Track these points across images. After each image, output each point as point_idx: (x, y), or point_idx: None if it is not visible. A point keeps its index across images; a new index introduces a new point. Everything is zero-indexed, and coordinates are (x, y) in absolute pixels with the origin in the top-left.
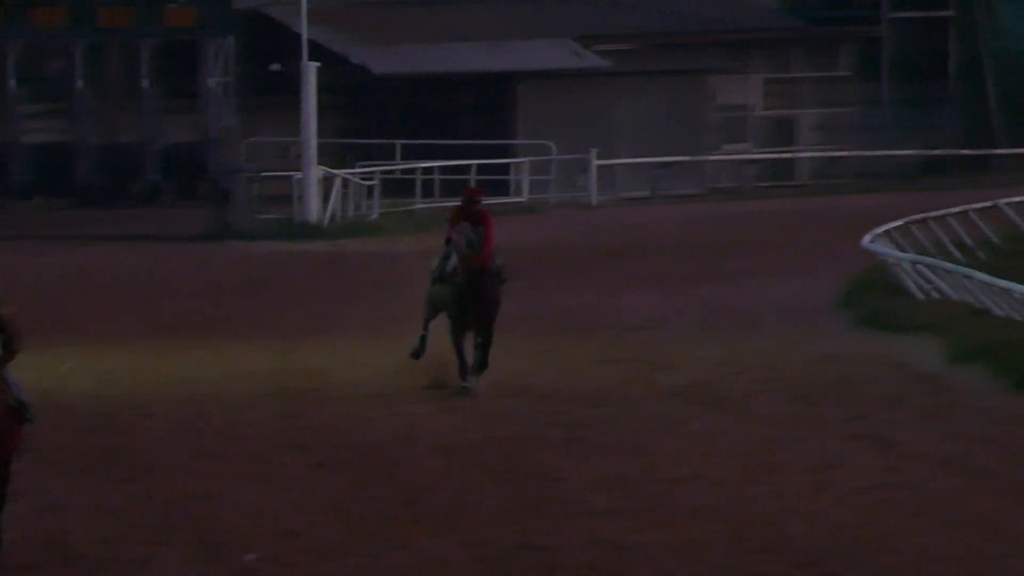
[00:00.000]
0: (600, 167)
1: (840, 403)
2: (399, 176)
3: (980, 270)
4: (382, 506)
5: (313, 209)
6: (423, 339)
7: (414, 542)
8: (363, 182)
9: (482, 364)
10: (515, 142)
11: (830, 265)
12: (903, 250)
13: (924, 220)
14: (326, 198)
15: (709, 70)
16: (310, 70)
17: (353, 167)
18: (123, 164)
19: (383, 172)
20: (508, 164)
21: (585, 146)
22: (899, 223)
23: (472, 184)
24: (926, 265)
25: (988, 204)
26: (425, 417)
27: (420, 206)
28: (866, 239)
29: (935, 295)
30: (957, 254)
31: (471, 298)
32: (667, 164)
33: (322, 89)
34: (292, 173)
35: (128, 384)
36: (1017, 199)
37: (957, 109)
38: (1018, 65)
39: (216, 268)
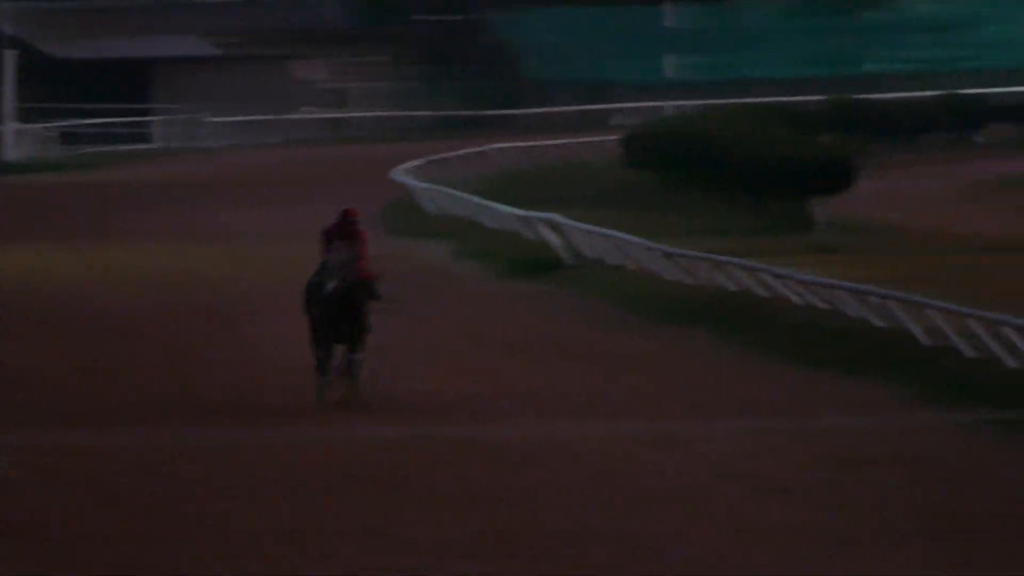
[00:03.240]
0: (217, 123)
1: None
2: (71, 130)
3: (475, 195)
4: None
5: (11, 153)
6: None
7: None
8: (47, 134)
9: (356, 375)
10: (154, 105)
11: (371, 191)
12: (422, 181)
13: (439, 160)
14: (21, 145)
15: (291, 56)
16: (8, 56)
17: (39, 124)
18: None
19: (60, 127)
20: (148, 120)
21: (203, 109)
22: (420, 162)
23: (346, 212)
24: (438, 192)
25: (481, 149)
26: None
27: (87, 151)
28: (396, 172)
29: (444, 212)
30: (460, 183)
31: (344, 313)
32: (262, 121)
33: (20, 70)
34: None
35: None
36: (500, 145)
37: (459, 86)
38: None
39: None
